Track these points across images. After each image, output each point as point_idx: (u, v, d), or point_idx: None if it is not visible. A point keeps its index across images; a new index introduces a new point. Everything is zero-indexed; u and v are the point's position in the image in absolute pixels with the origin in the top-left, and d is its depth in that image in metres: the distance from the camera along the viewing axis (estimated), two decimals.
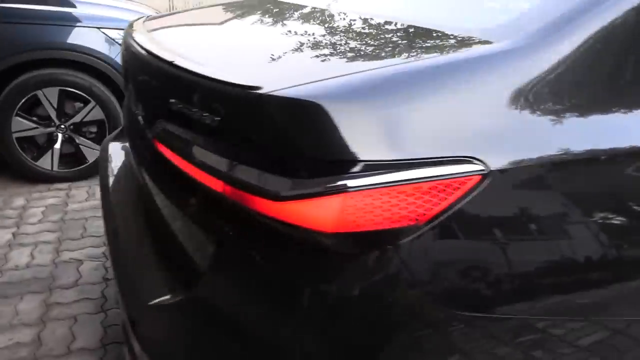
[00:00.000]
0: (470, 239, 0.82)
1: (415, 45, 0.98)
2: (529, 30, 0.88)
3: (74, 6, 3.30)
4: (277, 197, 0.78)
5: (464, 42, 0.93)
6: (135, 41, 1.29)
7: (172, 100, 0.97)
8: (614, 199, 0.90)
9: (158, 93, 1.13)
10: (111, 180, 1.55)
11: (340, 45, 1.06)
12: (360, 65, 0.91)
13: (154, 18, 1.75)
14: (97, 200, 3.11)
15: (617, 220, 0.90)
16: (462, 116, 0.82)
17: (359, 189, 0.77)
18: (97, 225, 2.81)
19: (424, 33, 1.04)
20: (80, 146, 3.28)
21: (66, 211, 2.98)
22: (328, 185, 0.77)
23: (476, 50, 0.88)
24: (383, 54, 0.96)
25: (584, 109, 0.90)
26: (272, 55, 1.04)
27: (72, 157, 3.32)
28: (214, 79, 0.88)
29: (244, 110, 0.84)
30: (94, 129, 3.31)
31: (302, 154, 0.79)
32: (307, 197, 0.78)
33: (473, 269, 0.84)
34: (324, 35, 1.18)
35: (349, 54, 0.99)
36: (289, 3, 1.65)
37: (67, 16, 3.18)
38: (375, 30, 1.15)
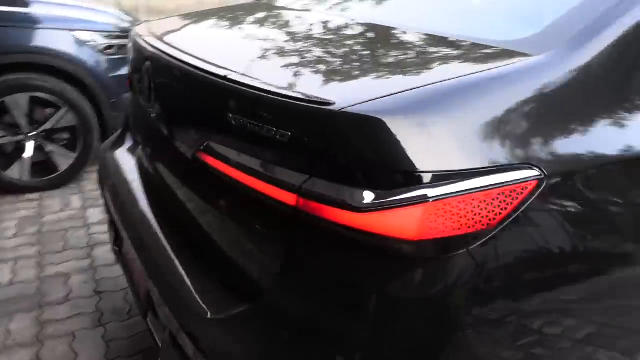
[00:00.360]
0: (532, 239, 0.88)
1: (461, 57, 1.03)
2: (561, 43, 0.95)
3: (41, 7, 3.14)
4: (358, 209, 0.80)
5: (505, 55, 0.98)
6: (161, 51, 1.26)
7: (232, 116, 0.96)
8: None
9: (204, 107, 1.12)
10: (124, 189, 1.51)
11: (387, 57, 1.08)
12: (421, 78, 0.94)
13: (163, 22, 1.71)
14: (73, 211, 2.99)
15: None
16: (519, 125, 0.87)
17: (438, 198, 0.80)
18: (78, 237, 2.71)
19: (460, 44, 1.08)
20: (52, 154, 3.14)
21: (42, 223, 2.84)
22: (410, 196, 0.80)
23: (520, 62, 0.94)
24: (435, 67, 1.00)
25: (617, 114, 0.97)
26: (322, 68, 1.05)
27: (42, 166, 3.17)
28: (283, 95, 0.89)
29: (318, 125, 0.85)
30: (66, 136, 3.17)
31: (380, 166, 0.82)
32: (390, 208, 0.80)
33: (534, 266, 0.90)
34: (364, 48, 1.20)
35: (402, 67, 1.01)
36: (292, 11, 1.66)
37: (35, 18, 3.03)
38: (411, 42, 1.19)
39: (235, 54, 1.24)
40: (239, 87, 0.96)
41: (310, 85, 0.95)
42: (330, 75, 1.01)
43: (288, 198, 0.87)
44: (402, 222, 0.80)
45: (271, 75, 1.00)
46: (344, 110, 0.81)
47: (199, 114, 1.15)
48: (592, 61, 0.92)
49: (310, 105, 0.84)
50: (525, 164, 0.85)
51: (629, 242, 0.97)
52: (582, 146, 0.92)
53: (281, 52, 1.23)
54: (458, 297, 0.84)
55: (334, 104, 0.82)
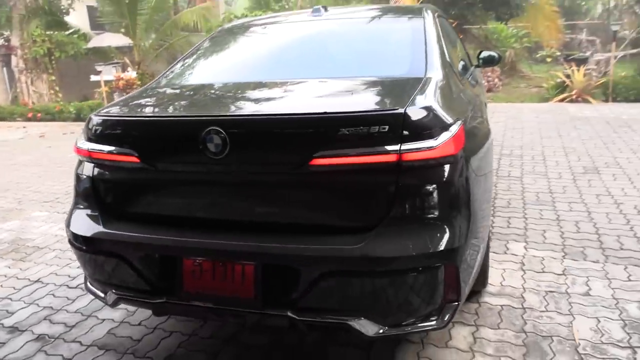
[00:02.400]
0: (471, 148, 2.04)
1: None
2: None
3: None
4: (433, 147, 1.72)
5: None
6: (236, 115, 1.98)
7: (341, 131, 1.72)
8: None
9: (305, 133, 1.81)
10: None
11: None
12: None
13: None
14: None
15: None
16: (456, 101, 2.15)
17: (453, 134, 1.79)
18: None
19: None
20: None
21: None
22: (448, 135, 1.79)
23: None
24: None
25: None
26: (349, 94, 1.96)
27: None
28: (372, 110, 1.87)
29: (396, 120, 1.75)
30: None
31: (430, 128, 1.79)
32: (442, 142, 1.77)
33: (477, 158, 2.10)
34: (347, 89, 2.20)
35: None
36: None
37: None
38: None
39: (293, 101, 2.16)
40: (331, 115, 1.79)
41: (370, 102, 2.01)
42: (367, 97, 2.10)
43: (391, 158, 1.69)
44: (448, 147, 1.73)
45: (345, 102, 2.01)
46: (407, 108, 1.70)
47: (298, 140, 1.81)
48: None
49: (386, 110, 1.76)
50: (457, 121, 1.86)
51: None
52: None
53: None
54: (468, 168, 1.86)
55: (398, 107, 1.72)
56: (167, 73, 2.71)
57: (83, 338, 2.55)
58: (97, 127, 2.09)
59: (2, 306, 2.92)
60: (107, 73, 11.09)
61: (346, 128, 1.71)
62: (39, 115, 11.24)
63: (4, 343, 2.55)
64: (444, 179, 1.76)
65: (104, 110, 2.20)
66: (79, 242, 2.13)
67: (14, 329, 2.67)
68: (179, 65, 2.78)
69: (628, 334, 2.31)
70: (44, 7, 12.58)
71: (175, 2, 13.71)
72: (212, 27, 11.85)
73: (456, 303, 1.84)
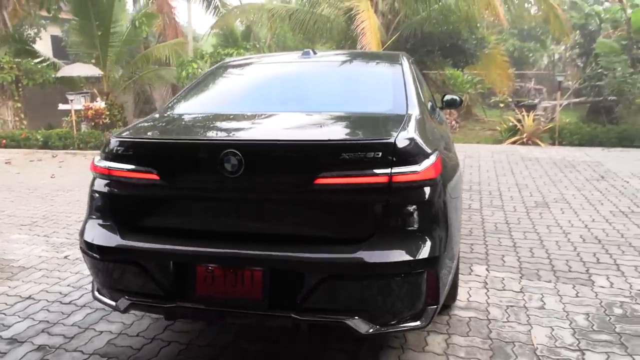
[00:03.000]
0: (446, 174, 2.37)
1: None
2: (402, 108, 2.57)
3: None
4: (418, 172, 2.07)
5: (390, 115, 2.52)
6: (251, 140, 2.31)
7: (341, 155, 2.07)
8: None
9: (310, 157, 2.14)
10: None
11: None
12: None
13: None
14: None
15: None
16: (431, 135, 2.46)
17: (434, 162, 2.16)
18: None
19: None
20: None
21: None
22: (430, 161, 2.14)
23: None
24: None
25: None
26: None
27: None
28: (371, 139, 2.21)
29: (386, 147, 2.10)
30: None
31: (415, 154, 2.08)
32: (426, 167, 2.10)
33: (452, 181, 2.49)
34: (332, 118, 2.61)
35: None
36: None
37: None
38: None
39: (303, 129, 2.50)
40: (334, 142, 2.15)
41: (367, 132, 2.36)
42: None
43: (383, 180, 2.02)
44: (430, 172, 2.08)
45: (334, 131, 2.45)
46: (396, 139, 2.06)
47: (305, 162, 2.13)
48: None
49: (380, 139, 2.10)
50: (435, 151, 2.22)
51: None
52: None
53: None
54: (445, 191, 2.19)
55: (390, 137, 2.06)
56: (174, 102, 2.99)
57: (84, 348, 2.69)
58: (118, 148, 2.33)
59: None
60: (76, 102, 11.13)
61: (346, 153, 2.04)
62: (3, 141, 11.08)
63: (5, 353, 2.65)
64: (426, 199, 2.10)
65: (125, 133, 2.45)
66: (95, 252, 2.32)
67: (13, 341, 2.78)
68: (184, 95, 3.06)
69: (577, 339, 2.67)
70: (13, 35, 12.57)
71: (146, 37, 13.96)
72: (184, 62, 12.15)
73: (435, 306, 2.16)
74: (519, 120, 10.82)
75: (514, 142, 10.49)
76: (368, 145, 2.06)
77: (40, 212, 5.54)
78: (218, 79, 3.30)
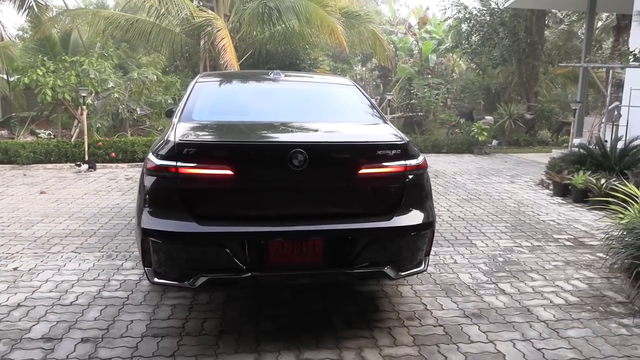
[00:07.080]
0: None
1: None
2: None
3: None
4: (418, 161, 3.09)
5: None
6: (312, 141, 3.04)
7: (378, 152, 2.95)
8: None
9: (357, 153, 2.96)
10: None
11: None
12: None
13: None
14: None
15: None
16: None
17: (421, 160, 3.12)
18: None
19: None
20: None
21: None
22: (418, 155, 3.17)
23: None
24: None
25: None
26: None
27: None
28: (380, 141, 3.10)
29: (399, 147, 3.01)
30: None
31: (402, 151, 3.12)
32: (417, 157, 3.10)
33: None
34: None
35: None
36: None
37: None
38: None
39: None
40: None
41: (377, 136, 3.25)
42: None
43: (402, 169, 2.96)
44: (424, 163, 3.12)
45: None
46: (406, 141, 3.05)
47: (353, 157, 2.94)
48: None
49: (398, 141, 3.03)
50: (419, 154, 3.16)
51: None
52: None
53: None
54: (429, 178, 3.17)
55: (403, 140, 3.04)
56: (190, 111, 3.35)
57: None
58: (189, 149, 2.74)
59: None
60: None
61: (380, 150, 2.91)
62: None
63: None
64: (424, 180, 3.09)
65: (191, 137, 2.88)
66: (171, 238, 2.70)
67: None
68: (193, 105, 3.44)
69: (488, 277, 3.96)
70: None
71: None
72: (24, 68, 10.97)
73: (428, 256, 3.14)
74: None
75: None
76: (392, 144, 2.98)
77: None
78: (215, 91, 3.83)
